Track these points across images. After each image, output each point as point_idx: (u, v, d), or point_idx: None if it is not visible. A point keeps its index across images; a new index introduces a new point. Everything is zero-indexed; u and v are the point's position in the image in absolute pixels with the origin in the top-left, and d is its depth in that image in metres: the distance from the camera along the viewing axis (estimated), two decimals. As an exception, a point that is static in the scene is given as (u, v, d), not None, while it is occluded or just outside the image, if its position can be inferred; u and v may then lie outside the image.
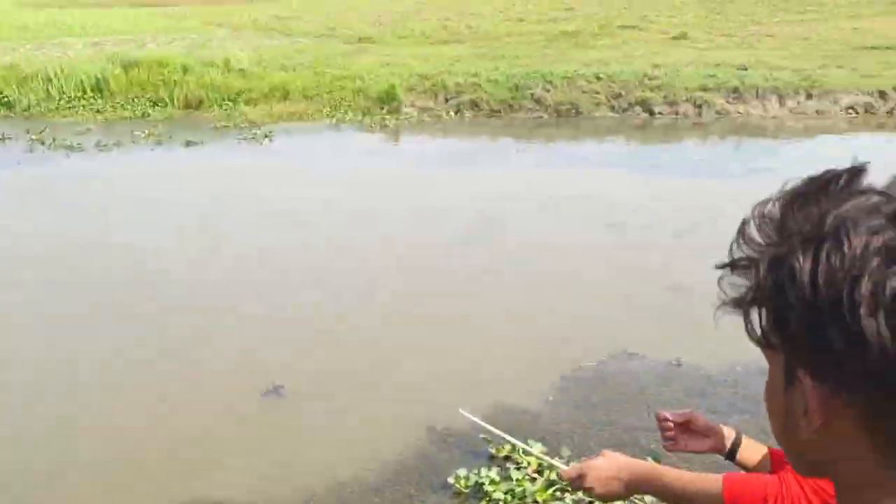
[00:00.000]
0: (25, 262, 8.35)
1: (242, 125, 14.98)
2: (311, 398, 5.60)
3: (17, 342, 6.61)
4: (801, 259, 0.74)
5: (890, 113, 14.86)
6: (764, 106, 15.15)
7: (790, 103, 15.15)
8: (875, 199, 0.74)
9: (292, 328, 6.72)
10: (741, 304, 0.80)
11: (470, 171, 11.71)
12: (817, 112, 14.96)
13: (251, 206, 10.09)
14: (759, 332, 0.79)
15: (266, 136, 14.04)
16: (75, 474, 4.81)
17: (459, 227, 8.96)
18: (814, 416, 0.78)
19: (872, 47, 19.49)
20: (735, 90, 15.35)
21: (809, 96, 15.20)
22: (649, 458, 4.59)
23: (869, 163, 0.77)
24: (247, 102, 16.36)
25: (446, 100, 16.01)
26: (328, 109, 15.83)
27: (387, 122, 15.19)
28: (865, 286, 0.70)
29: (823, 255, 0.73)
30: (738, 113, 15.03)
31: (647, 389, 5.56)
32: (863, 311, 0.70)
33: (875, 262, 0.71)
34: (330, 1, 38.51)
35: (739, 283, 0.79)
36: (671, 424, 2.04)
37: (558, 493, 4.43)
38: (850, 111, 14.95)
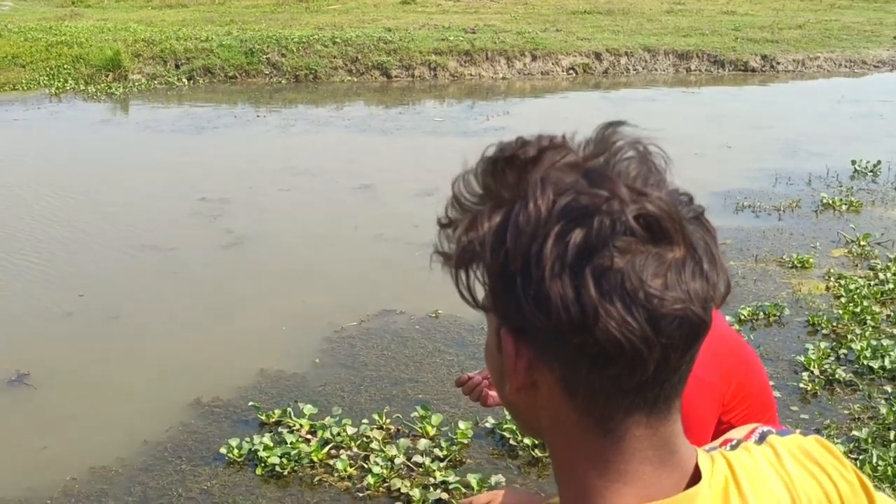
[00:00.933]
0: None
1: (-59, 97, 13.49)
2: (61, 383, 5.20)
3: None
4: (493, 220, 0.73)
5: (605, 73, 16.05)
6: (494, 68, 15.83)
7: (518, 65, 15.94)
8: (572, 156, 0.73)
9: (27, 312, 6.18)
10: (449, 267, 0.78)
11: (208, 137, 11.30)
12: (542, 73, 15.86)
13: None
14: (465, 293, 0.77)
15: (-27, 109, 12.73)
16: None
17: (203, 193, 8.63)
18: (514, 377, 0.76)
19: (585, 12, 20.93)
20: (467, 53, 15.90)
21: (534, 58, 16.07)
22: (418, 408, 4.71)
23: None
24: (-56, 72, 14.73)
25: (177, 66, 15.30)
26: (45, 78, 14.57)
27: (113, 90, 14.27)
28: (550, 247, 0.69)
29: (513, 215, 0.71)
30: (471, 75, 15.60)
31: (410, 343, 5.68)
32: (547, 272, 0.69)
33: (561, 222, 0.69)
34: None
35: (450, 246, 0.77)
36: (478, 380, 2.06)
37: (333, 451, 4.44)
38: (571, 72, 15.98)
